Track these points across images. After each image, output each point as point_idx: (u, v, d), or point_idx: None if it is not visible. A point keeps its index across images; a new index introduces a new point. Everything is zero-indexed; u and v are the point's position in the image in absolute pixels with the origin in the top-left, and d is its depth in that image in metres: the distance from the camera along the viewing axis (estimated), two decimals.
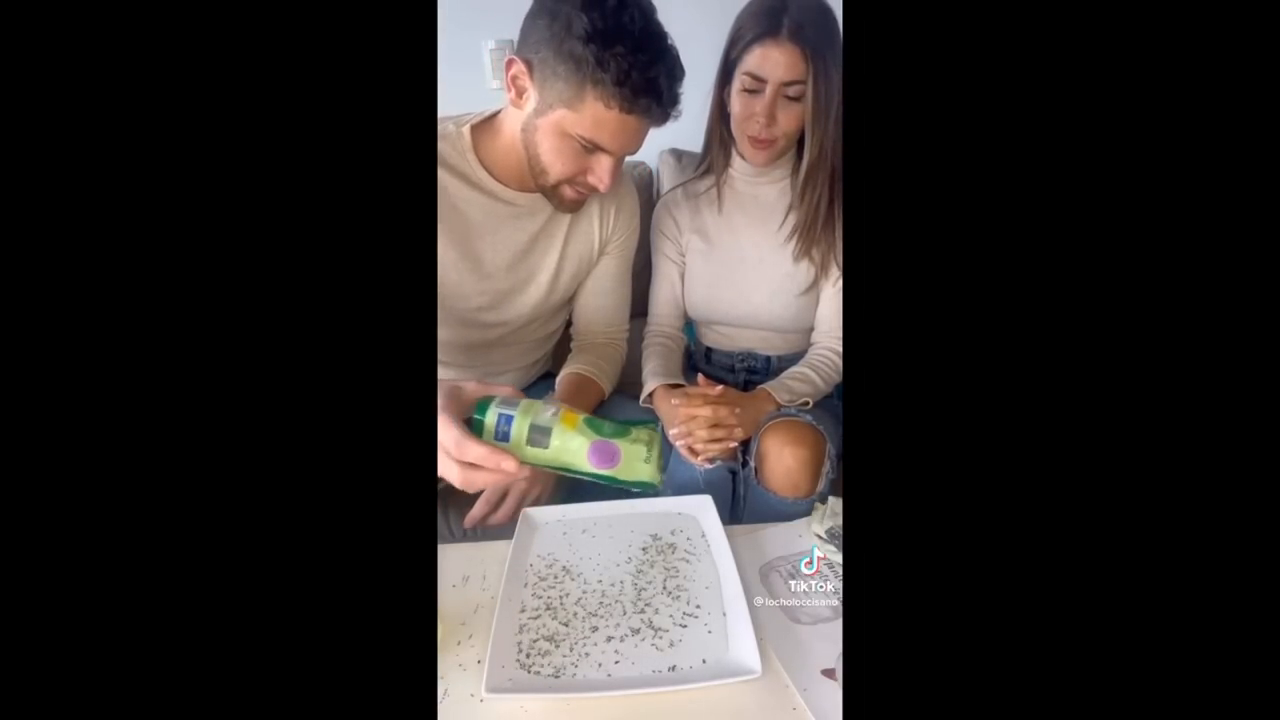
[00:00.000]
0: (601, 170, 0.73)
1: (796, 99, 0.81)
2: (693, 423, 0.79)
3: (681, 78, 0.69)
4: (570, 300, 0.94)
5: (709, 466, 0.81)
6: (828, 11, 0.81)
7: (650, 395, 0.89)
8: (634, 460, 0.55)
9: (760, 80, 0.80)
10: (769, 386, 0.88)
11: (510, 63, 0.70)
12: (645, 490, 0.56)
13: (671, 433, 0.81)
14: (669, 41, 0.69)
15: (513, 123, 0.75)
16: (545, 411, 0.55)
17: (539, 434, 0.54)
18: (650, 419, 0.66)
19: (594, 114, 0.67)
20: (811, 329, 0.97)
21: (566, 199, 0.78)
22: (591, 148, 0.70)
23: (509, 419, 0.54)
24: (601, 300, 0.93)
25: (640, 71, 0.64)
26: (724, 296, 0.95)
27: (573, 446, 0.54)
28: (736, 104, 0.84)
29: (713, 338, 1.01)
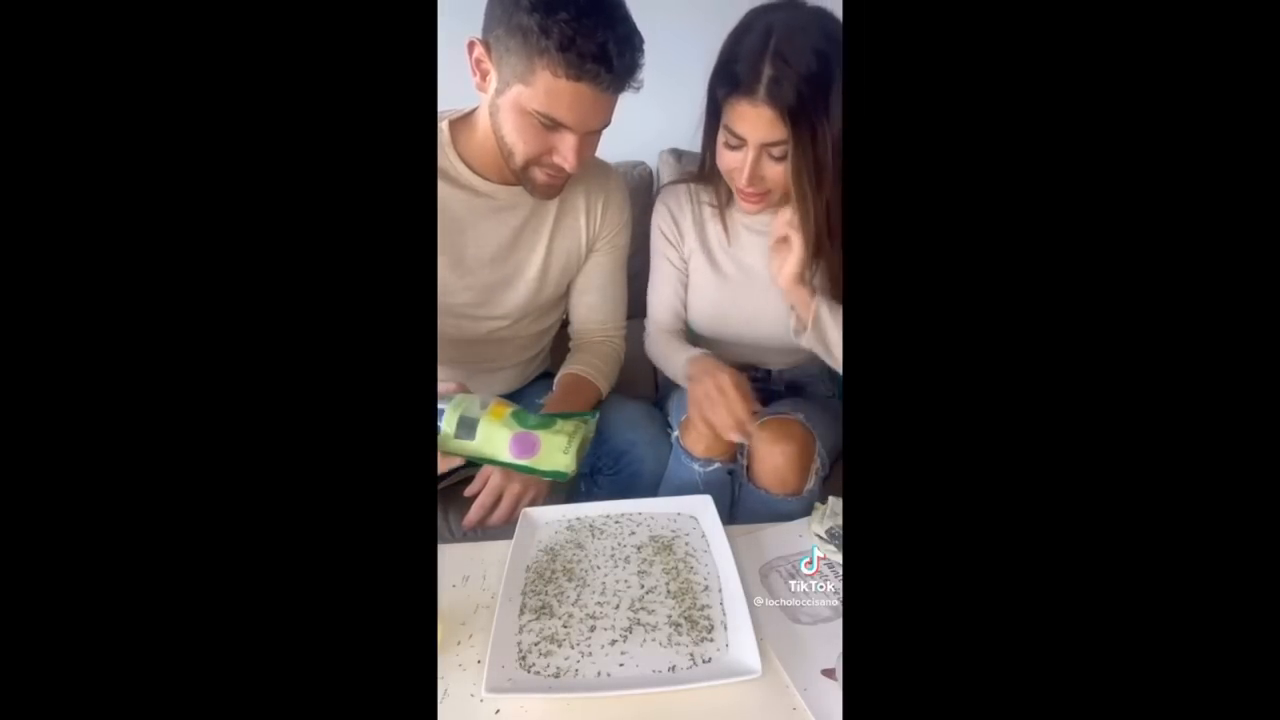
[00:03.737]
0: (566, 149, 0.70)
1: (782, 158, 0.74)
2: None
3: (639, 46, 0.67)
4: (563, 297, 0.93)
5: (709, 469, 0.81)
6: (823, 52, 0.69)
7: (689, 368, 0.81)
8: (553, 451, 0.58)
9: (740, 138, 0.74)
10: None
11: (471, 46, 0.70)
12: (557, 479, 0.59)
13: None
14: (623, 10, 0.67)
15: (484, 110, 0.74)
16: (475, 404, 0.59)
17: (466, 427, 0.58)
18: (586, 414, 0.66)
19: (545, 85, 0.66)
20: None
21: (539, 183, 0.76)
22: (550, 123, 0.69)
23: (439, 413, 0.58)
24: (595, 298, 0.92)
25: (585, 37, 0.63)
26: (729, 319, 0.92)
27: (496, 438, 0.58)
28: (721, 157, 0.78)
29: (712, 348, 0.99)
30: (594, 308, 0.93)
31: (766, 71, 0.69)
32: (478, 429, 0.58)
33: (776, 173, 0.75)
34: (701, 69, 0.89)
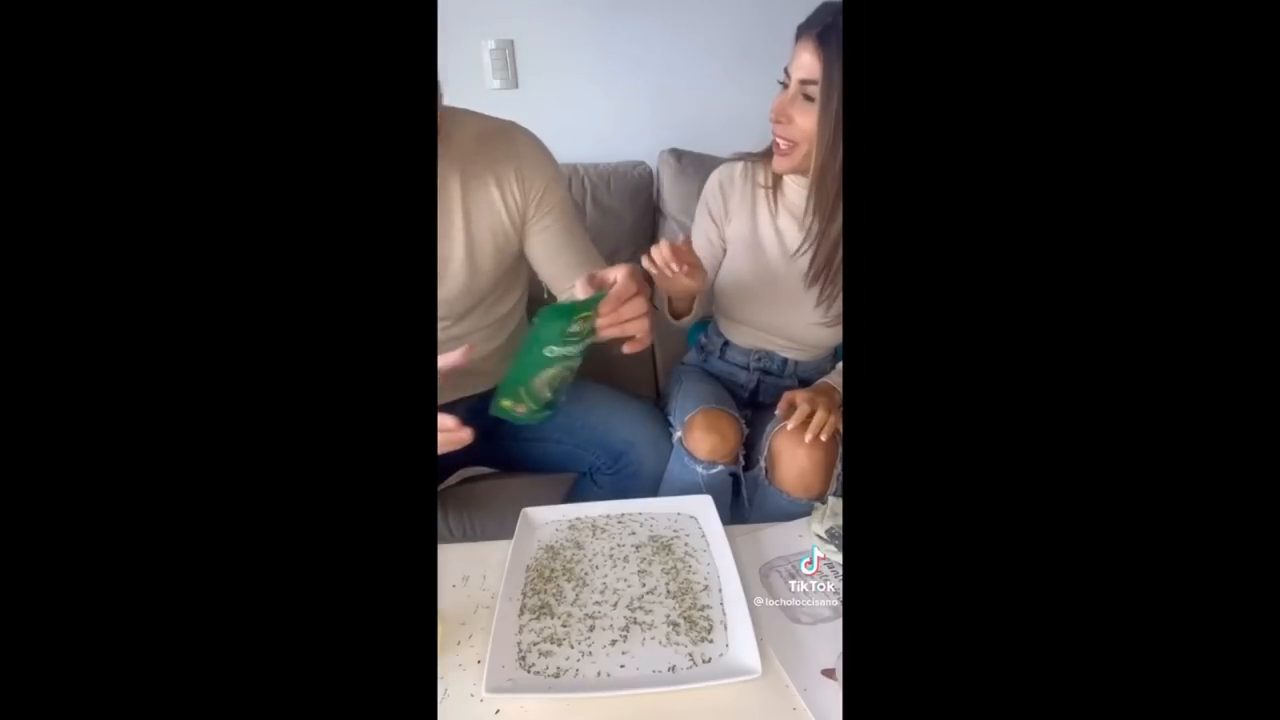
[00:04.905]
0: None
1: (810, 99, 0.78)
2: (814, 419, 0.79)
3: None
4: (512, 279, 0.88)
5: (712, 471, 0.81)
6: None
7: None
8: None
9: (787, 74, 0.79)
10: (831, 380, 0.87)
11: None
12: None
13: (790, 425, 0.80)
14: None
15: None
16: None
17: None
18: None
19: None
20: (838, 346, 0.96)
21: None
22: None
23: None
24: (565, 258, 0.84)
25: None
26: (758, 304, 0.92)
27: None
28: (776, 100, 0.81)
29: (733, 331, 0.98)
30: (570, 266, 0.84)
31: (829, 19, 0.76)
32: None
33: (806, 117, 0.79)
34: (701, 70, 0.89)
